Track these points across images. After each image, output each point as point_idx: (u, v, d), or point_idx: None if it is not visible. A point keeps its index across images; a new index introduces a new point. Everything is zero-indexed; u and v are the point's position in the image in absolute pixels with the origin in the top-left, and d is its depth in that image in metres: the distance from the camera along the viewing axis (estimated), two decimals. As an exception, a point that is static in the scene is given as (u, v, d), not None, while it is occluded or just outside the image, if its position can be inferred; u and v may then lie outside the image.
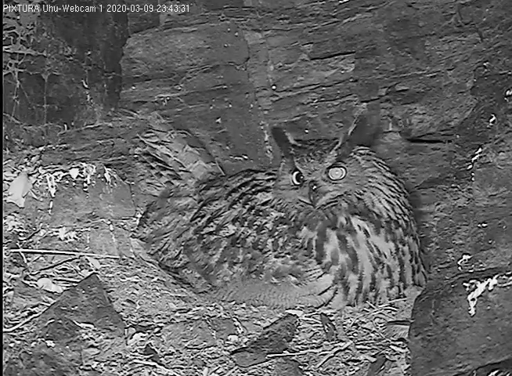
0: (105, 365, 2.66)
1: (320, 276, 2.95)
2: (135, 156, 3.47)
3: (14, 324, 2.73)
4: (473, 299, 2.46)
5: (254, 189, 3.13)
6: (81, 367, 2.63)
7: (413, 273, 3.02)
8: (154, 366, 2.67)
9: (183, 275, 3.13)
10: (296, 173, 3.01)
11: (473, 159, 2.85)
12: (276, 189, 3.07)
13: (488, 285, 2.46)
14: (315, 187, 2.95)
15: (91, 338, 2.69)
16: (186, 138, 3.44)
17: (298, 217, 3.00)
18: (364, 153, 3.06)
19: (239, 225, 3.06)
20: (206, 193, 3.23)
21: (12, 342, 2.65)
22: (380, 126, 3.47)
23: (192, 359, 2.72)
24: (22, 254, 3.03)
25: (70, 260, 3.08)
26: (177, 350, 2.75)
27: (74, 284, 2.86)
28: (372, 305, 2.97)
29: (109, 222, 3.21)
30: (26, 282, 2.91)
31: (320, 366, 2.71)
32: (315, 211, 2.97)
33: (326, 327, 2.86)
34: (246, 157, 3.58)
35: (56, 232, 3.15)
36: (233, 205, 3.11)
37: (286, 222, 3.02)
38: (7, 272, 2.94)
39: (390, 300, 2.98)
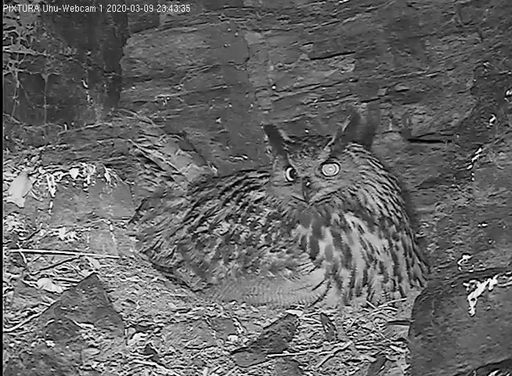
0: (105, 365, 2.66)
1: (312, 270, 2.96)
2: (136, 157, 3.48)
3: (14, 324, 2.73)
4: (473, 299, 2.46)
5: (246, 187, 3.14)
6: (81, 367, 2.63)
7: (408, 267, 3.02)
8: (154, 366, 2.67)
9: (178, 274, 3.13)
10: (289, 169, 3.01)
11: (473, 159, 2.85)
12: (270, 185, 3.08)
13: (488, 285, 2.46)
14: (308, 183, 2.95)
15: (91, 338, 2.69)
16: (178, 142, 3.44)
17: (292, 214, 3.00)
18: (358, 150, 3.06)
19: (232, 221, 3.07)
20: (199, 194, 3.25)
21: (12, 342, 2.65)
22: (375, 124, 3.46)
23: (192, 359, 2.72)
24: (22, 254, 3.03)
25: (70, 260, 3.08)
26: (177, 350, 2.75)
27: (74, 284, 2.86)
28: (368, 300, 2.97)
29: (109, 222, 3.21)
30: (26, 282, 2.91)
31: (320, 366, 2.71)
32: (309, 208, 2.98)
33: (326, 327, 2.86)
34: (246, 157, 3.58)
35: (56, 232, 3.15)
36: (226, 203, 3.12)
37: (279, 217, 3.03)
38: (7, 272, 2.94)
39: (385, 293, 2.98)
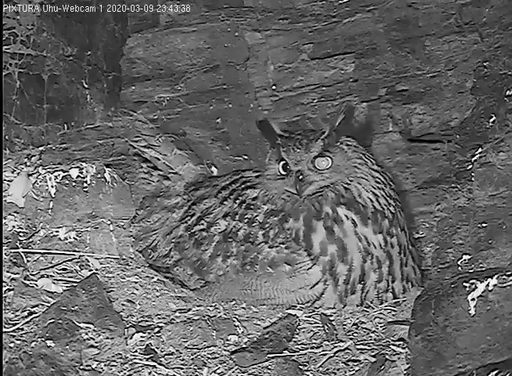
0: (105, 365, 2.66)
1: (310, 267, 2.96)
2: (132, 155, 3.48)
3: (14, 324, 2.73)
4: (473, 299, 2.46)
5: (243, 186, 3.15)
6: (81, 367, 2.63)
7: (401, 266, 3.02)
8: (154, 366, 2.67)
9: (175, 273, 3.13)
10: (282, 163, 3.02)
11: (473, 159, 2.85)
12: (263, 179, 3.08)
13: (488, 285, 2.46)
14: (301, 177, 2.96)
15: (91, 338, 2.69)
16: (174, 141, 3.45)
17: (285, 208, 3.01)
18: (351, 144, 3.06)
19: (230, 219, 3.08)
20: (195, 193, 3.26)
21: (12, 342, 2.65)
22: (372, 123, 3.46)
23: (192, 359, 2.72)
24: (22, 254, 3.03)
25: (70, 260, 3.08)
26: (177, 350, 2.75)
27: (74, 284, 2.86)
28: (362, 299, 2.97)
29: (109, 222, 3.21)
30: (26, 282, 2.91)
31: (320, 366, 2.71)
32: (301, 202, 2.98)
33: (326, 327, 2.86)
34: (246, 157, 3.58)
35: (56, 232, 3.15)
36: (224, 202, 3.13)
37: (276, 214, 3.04)
38: (7, 272, 2.94)
39: (378, 294, 2.99)
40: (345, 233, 2.96)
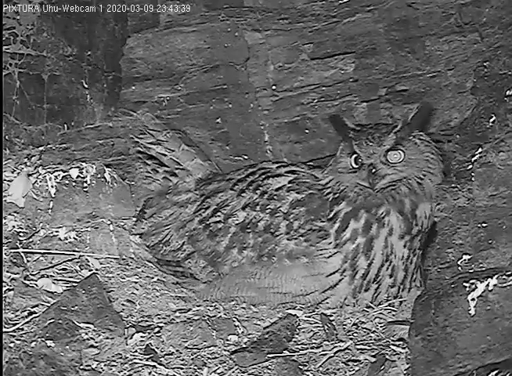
0: (105, 365, 2.66)
1: (331, 255, 2.97)
2: (135, 155, 3.48)
3: (14, 324, 2.73)
4: (473, 299, 2.46)
5: (264, 176, 3.15)
6: (81, 367, 2.63)
7: (411, 282, 3.05)
8: (154, 366, 2.67)
9: (186, 266, 3.13)
10: (354, 156, 3.02)
11: (473, 159, 2.85)
12: (334, 172, 3.07)
13: (488, 285, 2.46)
14: (373, 170, 2.95)
15: (91, 338, 2.69)
16: (181, 137, 3.45)
17: (357, 200, 3.00)
18: (424, 139, 3.05)
19: (250, 210, 3.07)
20: (207, 187, 3.25)
21: (12, 342, 2.65)
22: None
23: (192, 359, 2.72)
24: (22, 254, 3.03)
25: (70, 260, 3.08)
26: (177, 350, 2.75)
27: (74, 284, 2.86)
28: (373, 299, 2.98)
29: (109, 222, 3.21)
30: (26, 282, 2.91)
31: (320, 366, 2.71)
32: (374, 195, 2.98)
33: (326, 327, 2.86)
34: (246, 157, 3.58)
35: (56, 232, 3.14)
36: (242, 193, 3.12)
37: (303, 204, 3.03)
38: (7, 272, 2.94)
39: (388, 297, 2.99)
40: (378, 235, 2.98)
